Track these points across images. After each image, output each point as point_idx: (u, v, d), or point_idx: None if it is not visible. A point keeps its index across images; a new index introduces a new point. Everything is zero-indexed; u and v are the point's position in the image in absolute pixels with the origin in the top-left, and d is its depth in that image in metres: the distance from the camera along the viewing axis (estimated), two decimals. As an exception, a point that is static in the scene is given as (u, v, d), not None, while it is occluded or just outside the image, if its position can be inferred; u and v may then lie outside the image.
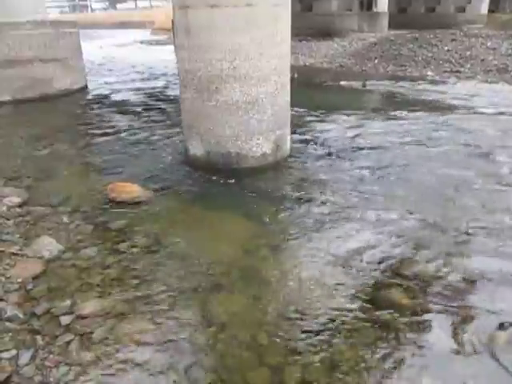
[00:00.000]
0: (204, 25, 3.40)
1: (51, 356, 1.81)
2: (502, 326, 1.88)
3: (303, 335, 1.89)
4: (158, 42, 17.49)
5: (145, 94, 7.31)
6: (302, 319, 1.98)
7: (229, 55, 3.43)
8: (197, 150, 3.82)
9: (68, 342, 1.87)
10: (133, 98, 6.99)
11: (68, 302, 2.11)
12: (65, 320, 2.00)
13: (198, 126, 3.74)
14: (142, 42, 17.89)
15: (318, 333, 1.89)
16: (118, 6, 42.56)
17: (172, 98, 6.76)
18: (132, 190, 3.23)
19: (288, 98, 3.88)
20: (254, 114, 3.59)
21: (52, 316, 2.03)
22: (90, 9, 42.30)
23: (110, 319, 2.00)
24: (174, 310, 2.06)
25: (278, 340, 1.86)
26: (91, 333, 1.92)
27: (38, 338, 1.90)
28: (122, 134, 4.92)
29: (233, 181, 3.52)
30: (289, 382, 1.66)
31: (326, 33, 12.75)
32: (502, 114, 5.30)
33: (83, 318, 2.01)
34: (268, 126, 3.68)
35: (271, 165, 3.76)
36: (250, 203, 3.14)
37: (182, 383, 1.67)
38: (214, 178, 3.60)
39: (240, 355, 1.80)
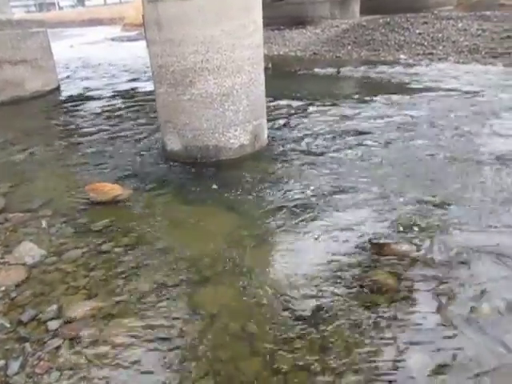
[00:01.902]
0: (175, 18, 3.37)
1: (41, 362, 1.79)
2: (484, 298, 1.93)
3: (293, 321, 1.90)
4: (129, 39, 17.20)
5: (119, 91, 7.21)
6: (290, 306, 1.99)
7: (201, 48, 3.40)
8: (174, 144, 3.79)
9: (57, 347, 1.85)
10: (107, 96, 6.89)
11: (55, 307, 2.08)
12: (52, 325, 1.98)
13: (174, 120, 3.71)
14: (113, 39, 17.57)
15: (307, 318, 1.92)
16: (87, 2, 41.69)
17: (147, 94, 6.68)
18: (111, 189, 3.19)
19: (263, 88, 3.87)
20: (229, 105, 3.57)
21: (39, 322, 2.01)
22: (57, 7, 41.27)
23: (99, 320, 1.99)
24: (163, 305, 2.06)
25: (268, 328, 1.88)
26: (80, 336, 1.90)
27: (27, 345, 1.88)
28: (98, 134, 4.85)
29: (212, 174, 3.52)
30: (281, 369, 1.68)
31: (298, 21, 12.73)
32: (475, 93, 5.39)
33: (71, 321, 1.99)
34: (244, 117, 3.68)
35: (250, 156, 3.76)
36: (231, 195, 3.14)
37: (175, 378, 1.67)
38: (193, 172, 3.59)
39: (231, 345, 1.81)
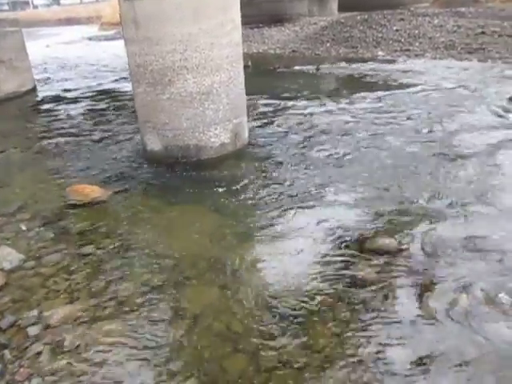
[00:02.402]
0: (152, 16, 3.34)
1: (21, 369, 1.75)
2: (463, 290, 1.97)
3: (276, 319, 1.91)
4: (106, 38, 16.95)
5: (97, 91, 7.10)
6: (273, 304, 2.00)
7: (180, 46, 3.38)
8: (154, 144, 3.76)
9: (38, 353, 1.82)
10: (85, 97, 6.78)
11: (35, 312, 2.05)
12: (33, 331, 1.94)
13: (154, 120, 3.68)
14: (90, 39, 17.28)
15: (290, 315, 1.92)
16: (62, 1, 40.87)
17: (125, 94, 6.61)
18: (91, 191, 3.15)
19: (243, 86, 3.87)
20: (209, 104, 3.56)
21: (19, 328, 1.97)
22: (31, 5, 40.37)
23: (81, 324, 1.96)
24: (145, 307, 2.04)
25: (252, 326, 1.88)
26: (62, 340, 1.87)
27: (6, 352, 1.84)
28: (77, 135, 4.77)
29: (193, 173, 3.50)
30: (265, 366, 1.69)
31: (277, 19, 12.74)
32: (451, 88, 5.49)
33: (52, 326, 1.96)
34: (225, 116, 3.67)
35: (231, 154, 3.75)
36: (213, 194, 3.13)
37: (159, 380, 1.66)
38: (174, 172, 3.56)
39: (215, 345, 1.80)
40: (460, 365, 1.61)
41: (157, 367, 1.71)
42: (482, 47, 7.69)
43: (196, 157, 3.68)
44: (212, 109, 3.59)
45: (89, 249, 2.55)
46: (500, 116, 4.28)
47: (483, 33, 8.37)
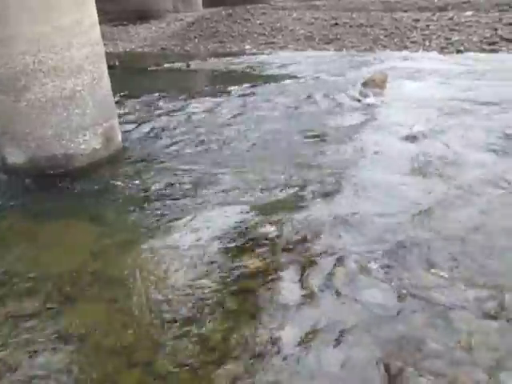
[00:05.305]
0: (-3, 15, 3.00)
1: None
2: (339, 263, 2.14)
3: (169, 324, 1.88)
4: None
5: None
6: (164, 310, 1.96)
7: (32, 47, 3.10)
8: (16, 157, 3.41)
9: None
10: None
11: None
12: None
13: (13, 130, 3.34)
14: None
15: (182, 318, 1.90)
16: None
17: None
18: None
19: (109, 88, 3.68)
20: (74, 108, 3.32)
21: None
22: None
23: None
24: (23, 335, 1.86)
25: (144, 336, 1.83)
26: None
27: None
28: None
29: (64, 184, 3.24)
30: (162, 373, 1.65)
31: (141, 15, 12.33)
32: (313, 77, 5.88)
33: None
34: (93, 120, 3.46)
35: (105, 160, 3.55)
36: (88, 205, 2.95)
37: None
38: (42, 185, 3.27)
39: (107, 362, 1.72)
40: (341, 334, 1.74)
41: (42, 400, 1.58)
42: (337, 37, 8.36)
43: (66, 166, 3.42)
44: (78, 113, 3.37)
45: None
46: (357, 100, 4.70)
47: (337, 24, 9.08)
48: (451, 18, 8.30)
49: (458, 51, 6.74)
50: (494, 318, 1.78)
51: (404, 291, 1.94)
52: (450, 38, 7.38)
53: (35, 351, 1.79)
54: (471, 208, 2.57)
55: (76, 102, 3.34)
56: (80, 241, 2.57)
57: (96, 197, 3.03)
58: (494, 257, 2.13)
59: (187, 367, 1.66)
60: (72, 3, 3.22)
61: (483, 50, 6.68)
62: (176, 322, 1.89)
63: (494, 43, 6.87)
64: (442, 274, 2.03)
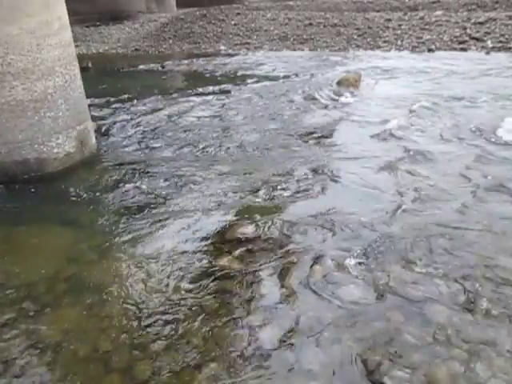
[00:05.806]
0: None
1: None
2: (317, 261, 2.15)
3: (147, 329, 1.86)
4: None
5: None
6: (142, 314, 1.93)
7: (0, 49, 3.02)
8: (-14, 163, 3.32)
9: None
10: None
11: None
12: None
13: (-19, 135, 3.24)
14: None
15: (161, 321, 1.89)
16: None
17: None
18: None
19: (82, 90, 3.62)
20: (45, 112, 3.25)
21: None
22: None
23: None
24: (-4, 348, 1.81)
25: (122, 342, 1.80)
26: None
27: None
28: None
29: (38, 189, 3.17)
30: (142, 378, 1.64)
31: (114, 16, 12.17)
32: (289, 76, 5.91)
33: None
34: (66, 123, 3.39)
35: (79, 163, 3.50)
36: (63, 209, 2.89)
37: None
38: (14, 190, 3.19)
39: (85, 369, 1.69)
40: (320, 332, 1.76)
41: (17, 411, 1.54)
42: (311, 37, 8.42)
43: (39, 171, 3.34)
44: (50, 117, 3.30)
45: None
46: (332, 99, 4.75)
47: (311, 24, 9.15)
48: (422, 18, 8.47)
49: (430, 50, 6.89)
50: (469, 310, 1.82)
51: (381, 287, 1.97)
52: (422, 37, 7.54)
53: (12, 359, 1.74)
54: (444, 203, 2.63)
55: (48, 104, 3.27)
56: (55, 246, 2.51)
57: (70, 201, 2.97)
58: (468, 251, 2.19)
59: (167, 371, 1.65)
60: (41, 5, 3.15)
61: (453, 49, 6.85)
62: (154, 325, 1.87)
63: (463, 42, 7.06)
64: (417, 269, 2.07)
